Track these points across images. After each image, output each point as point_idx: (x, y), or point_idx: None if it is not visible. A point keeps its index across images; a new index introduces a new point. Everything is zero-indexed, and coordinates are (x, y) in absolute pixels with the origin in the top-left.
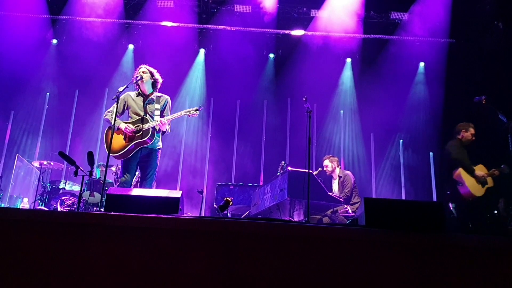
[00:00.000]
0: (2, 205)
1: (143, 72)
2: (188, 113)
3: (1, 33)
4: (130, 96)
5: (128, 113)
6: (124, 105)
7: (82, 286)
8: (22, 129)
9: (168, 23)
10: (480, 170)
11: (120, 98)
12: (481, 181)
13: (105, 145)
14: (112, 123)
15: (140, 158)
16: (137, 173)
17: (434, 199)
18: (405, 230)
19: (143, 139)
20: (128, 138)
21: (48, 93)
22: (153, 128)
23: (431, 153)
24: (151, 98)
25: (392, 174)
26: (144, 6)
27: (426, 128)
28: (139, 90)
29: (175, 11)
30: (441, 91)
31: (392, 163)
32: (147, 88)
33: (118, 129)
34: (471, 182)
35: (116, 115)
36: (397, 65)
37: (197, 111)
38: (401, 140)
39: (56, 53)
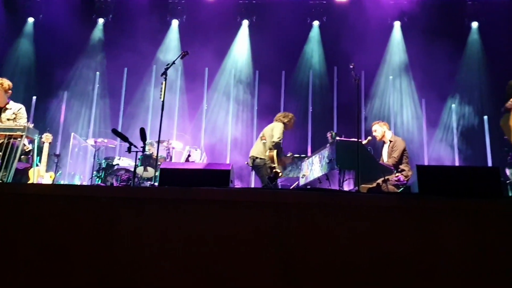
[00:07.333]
0: (61, 182)
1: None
2: None
3: (50, 15)
4: None
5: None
6: None
7: (141, 255)
8: (75, 108)
9: None
10: None
11: None
12: None
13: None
14: (162, 99)
15: None
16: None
17: (489, 164)
18: (460, 196)
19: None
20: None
21: (98, 73)
22: None
23: (485, 117)
24: None
25: (445, 139)
26: None
27: (480, 91)
28: None
29: None
30: (497, 51)
31: (445, 129)
32: None
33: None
34: None
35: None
36: (448, 26)
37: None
38: (453, 105)
39: (103, 32)
